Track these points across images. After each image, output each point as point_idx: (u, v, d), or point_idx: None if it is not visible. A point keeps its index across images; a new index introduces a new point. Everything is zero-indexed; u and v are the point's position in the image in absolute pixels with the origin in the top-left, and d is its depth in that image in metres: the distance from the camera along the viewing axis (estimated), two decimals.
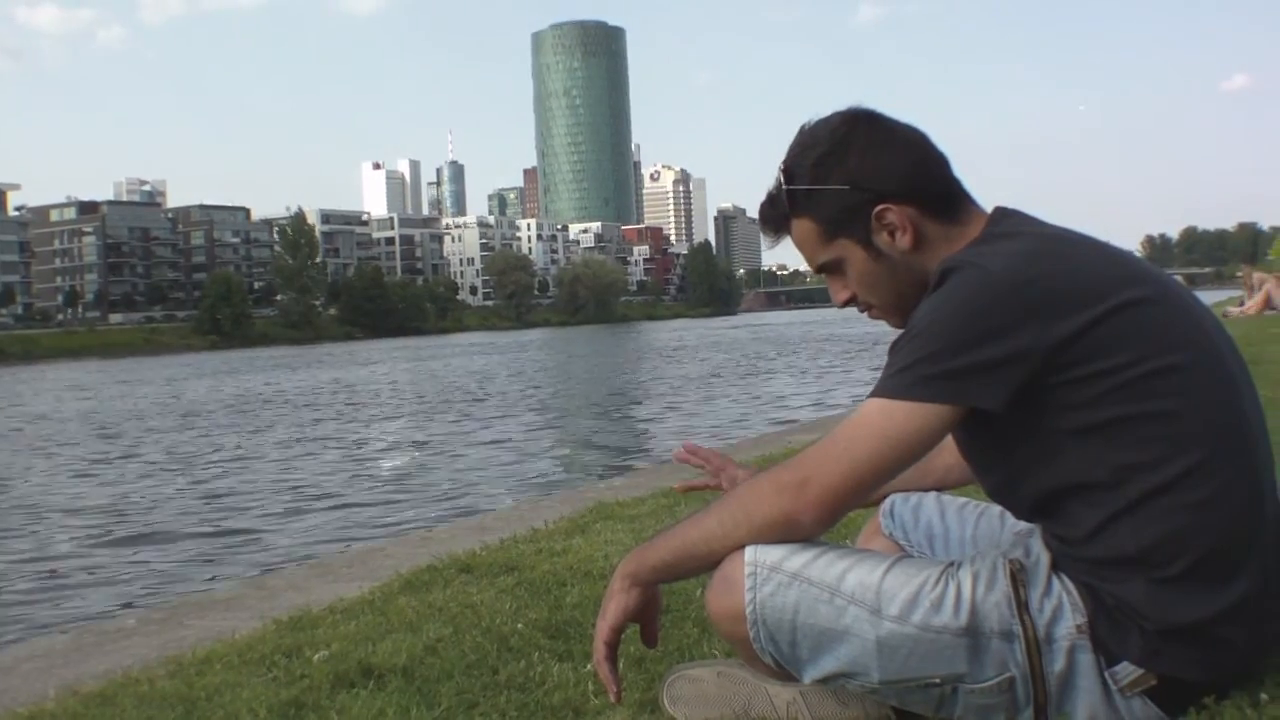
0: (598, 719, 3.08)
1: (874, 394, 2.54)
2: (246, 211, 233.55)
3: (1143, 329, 2.43)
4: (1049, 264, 2.47)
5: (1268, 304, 32.32)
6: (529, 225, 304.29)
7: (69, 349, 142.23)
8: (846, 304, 2.85)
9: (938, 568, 2.60)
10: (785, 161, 2.78)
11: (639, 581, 2.81)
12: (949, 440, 2.67)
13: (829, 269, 2.82)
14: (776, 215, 2.82)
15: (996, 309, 2.42)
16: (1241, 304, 34.59)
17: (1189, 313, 2.54)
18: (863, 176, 2.67)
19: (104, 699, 3.66)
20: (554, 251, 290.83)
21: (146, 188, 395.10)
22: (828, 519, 2.58)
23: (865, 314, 2.87)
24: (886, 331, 2.73)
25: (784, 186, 2.76)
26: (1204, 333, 2.53)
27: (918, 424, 2.47)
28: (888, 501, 3.27)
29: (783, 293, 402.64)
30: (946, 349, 2.43)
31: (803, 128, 2.79)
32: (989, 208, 2.75)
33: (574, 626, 4.01)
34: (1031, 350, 2.40)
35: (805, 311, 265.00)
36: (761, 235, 2.90)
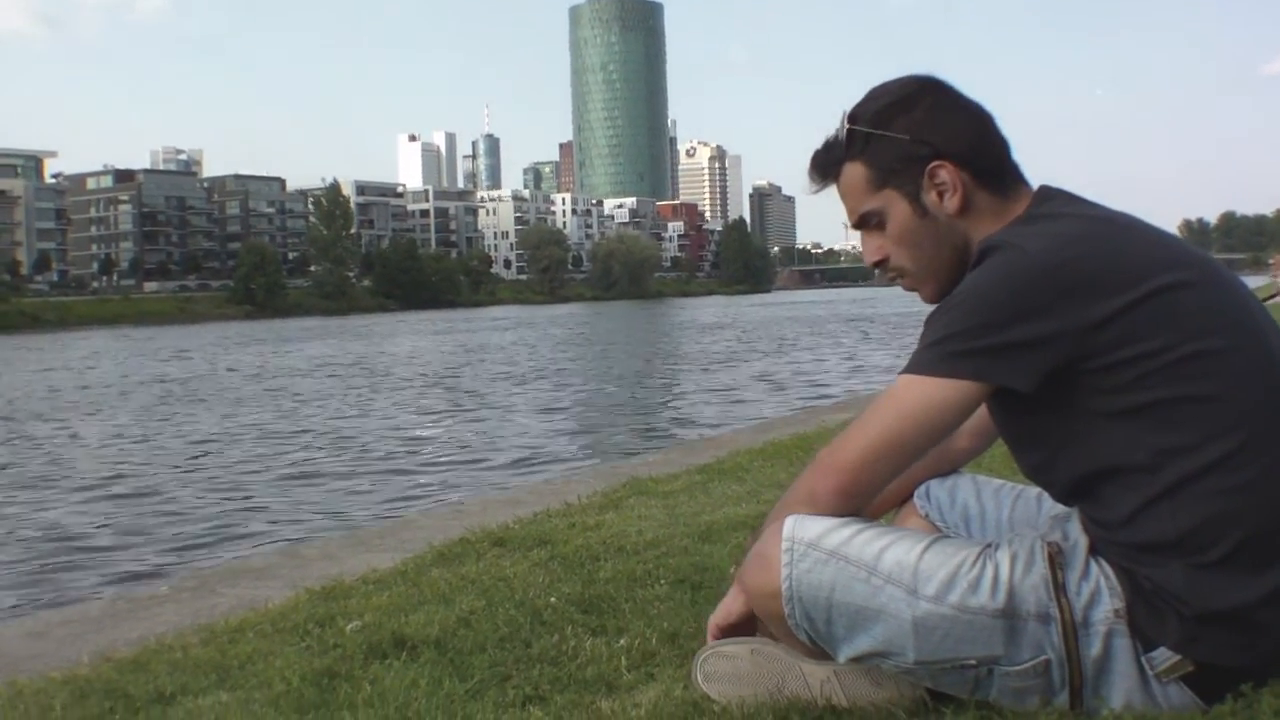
0: (631, 693, 3.08)
1: (904, 370, 2.56)
2: (282, 182, 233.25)
3: (1181, 313, 2.42)
4: (1087, 246, 2.46)
5: None
6: (564, 200, 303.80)
7: (104, 317, 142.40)
8: (877, 265, 2.85)
9: (975, 548, 2.59)
10: (852, 107, 2.78)
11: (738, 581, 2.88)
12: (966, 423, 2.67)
13: (868, 222, 2.81)
14: (830, 160, 2.82)
15: (1030, 290, 2.42)
16: (1276, 294, 34.46)
17: (1231, 296, 2.53)
18: (925, 130, 2.68)
19: (137, 665, 3.67)
20: (588, 226, 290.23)
21: (183, 157, 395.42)
22: (845, 493, 2.62)
23: (897, 281, 2.87)
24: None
25: (847, 126, 2.76)
26: (1248, 316, 2.52)
27: (940, 400, 2.49)
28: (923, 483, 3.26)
29: (817, 271, 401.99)
30: (975, 327, 2.45)
31: (876, 85, 2.80)
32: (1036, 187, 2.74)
33: (607, 601, 4.01)
34: (1063, 333, 2.40)
35: (840, 290, 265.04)
36: (807, 181, 2.89)
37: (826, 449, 2.66)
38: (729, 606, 2.88)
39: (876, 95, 2.77)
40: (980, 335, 2.44)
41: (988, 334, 2.43)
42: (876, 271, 2.88)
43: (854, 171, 2.78)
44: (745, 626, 2.88)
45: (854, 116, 2.76)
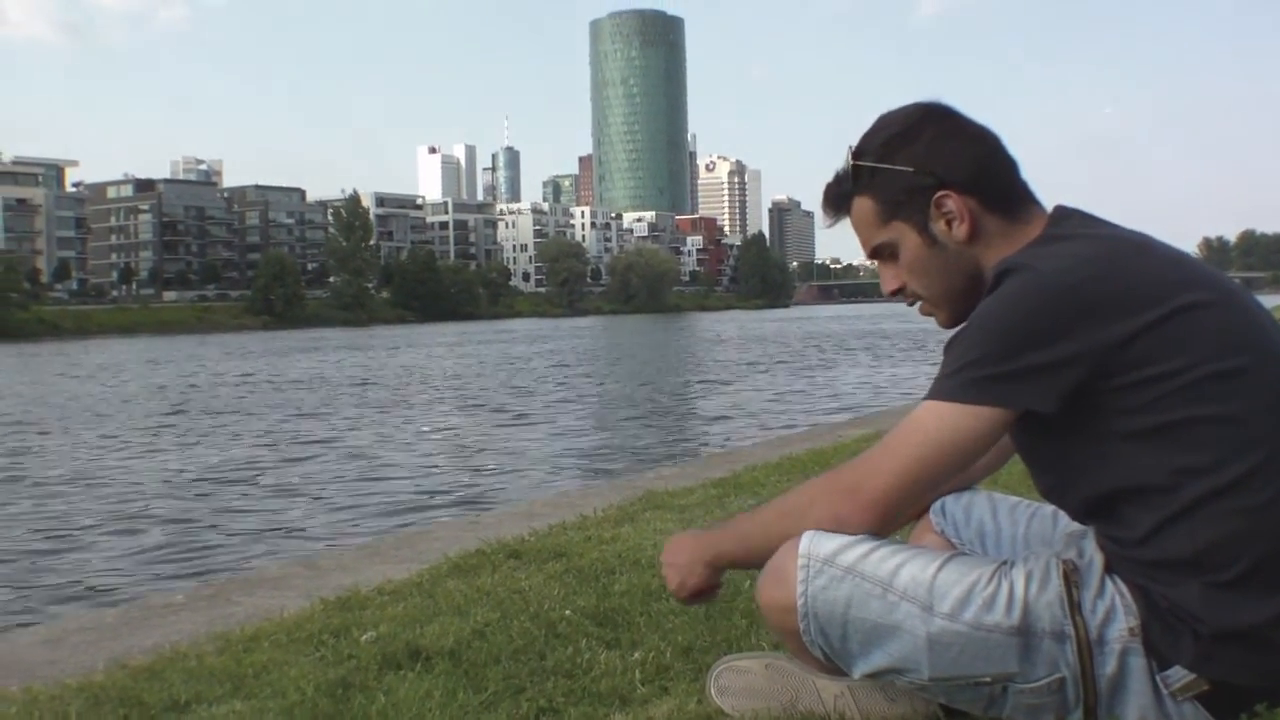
0: (645, 707, 3.09)
1: (927, 396, 2.55)
2: (302, 193, 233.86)
3: (1200, 333, 2.41)
4: (1104, 267, 2.45)
5: None
6: (583, 213, 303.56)
7: (123, 325, 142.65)
8: (895, 294, 2.85)
9: (990, 566, 2.59)
10: (857, 141, 2.78)
11: (709, 566, 2.87)
12: None
13: (882, 254, 2.81)
14: (840, 193, 2.82)
15: (1049, 312, 2.41)
16: None
17: (1249, 316, 2.52)
18: (929, 161, 2.67)
19: (152, 673, 3.68)
20: (607, 240, 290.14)
21: (203, 167, 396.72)
22: (878, 524, 2.61)
23: (914, 306, 2.87)
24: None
25: (851, 162, 2.75)
26: (1265, 336, 2.51)
27: (969, 427, 2.48)
28: (938, 499, 3.26)
29: (835, 286, 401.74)
30: (998, 352, 2.44)
31: (881, 115, 2.79)
32: (1051, 207, 2.73)
33: (622, 614, 4.02)
34: (1083, 354, 2.39)
35: (858, 305, 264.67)
36: (821, 214, 2.90)
37: (851, 474, 2.63)
38: (688, 582, 2.90)
39: (879, 128, 2.76)
40: (1004, 360, 2.43)
41: (1010, 358, 2.42)
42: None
43: (863, 205, 2.78)
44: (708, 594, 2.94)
45: (858, 152, 2.75)
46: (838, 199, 2.83)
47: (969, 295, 2.68)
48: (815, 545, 2.62)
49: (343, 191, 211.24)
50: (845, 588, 2.58)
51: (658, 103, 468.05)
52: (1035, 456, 2.68)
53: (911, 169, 2.67)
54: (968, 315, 2.63)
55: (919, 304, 2.84)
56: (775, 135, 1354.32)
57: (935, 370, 2.57)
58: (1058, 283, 2.43)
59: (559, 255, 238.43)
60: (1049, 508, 3.04)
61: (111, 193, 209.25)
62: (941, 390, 2.51)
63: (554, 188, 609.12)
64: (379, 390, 39.85)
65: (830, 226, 2.93)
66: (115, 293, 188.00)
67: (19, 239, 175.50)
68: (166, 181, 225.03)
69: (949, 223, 2.68)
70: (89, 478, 19.58)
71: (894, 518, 2.63)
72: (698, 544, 2.90)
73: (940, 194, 2.66)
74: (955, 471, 2.58)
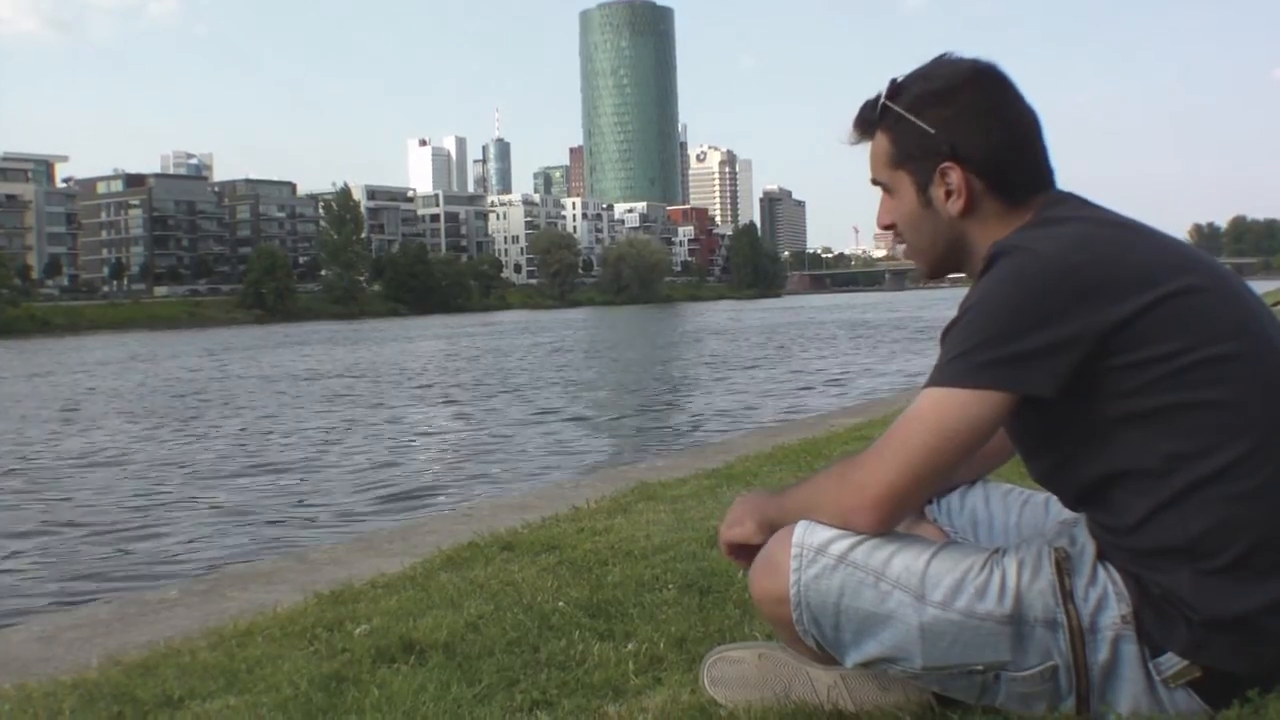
0: (638, 698, 3.09)
1: (928, 384, 2.52)
2: (292, 186, 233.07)
3: (1194, 317, 2.41)
4: (1100, 249, 2.45)
5: None
6: (574, 204, 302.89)
7: (114, 321, 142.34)
8: (887, 229, 2.83)
9: (983, 555, 2.59)
10: (902, 77, 2.75)
11: (758, 524, 2.78)
12: None
13: (884, 188, 2.79)
14: (869, 121, 2.78)
15: (1047, 294, 2.40)
16: None
17: (1242, 302, 2.52)
18: (951, 130, 2.63)
19: (146, 669, 3.68)
20: (599, 231, 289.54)
21: (193, 161, 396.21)
22: (885, 523, 2.57)
23: (897, 243, 2.86)
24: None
25: (883, 99, 2.73)
26: (1257, 322, 2.51)
27: (973, 413, 2.44)
28: None
29: (827, 275, 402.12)
30: (999, 335, 2.42)
31: (939, 57, 2.75)
32: None
33: (615, 606, 4.02)
34: (1082, 335, 2.39)
35: (850, 295, 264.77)
36: (849, 131, 2.83)
37: (858, 475, 2.57)
38: (731, 530, 2.83)
39: (924, 76, 2.71)
40: (1004, 343, 2.41)
41: (1011, 341, 2.40)
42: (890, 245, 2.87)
43: (881, 141, 2.75)
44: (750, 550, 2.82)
45: (895, 90, 2.72)
46: (865, 125, 2.80)
47: (947, 260, 2.73)
48: (808, 535, 2.61)
49: (333, 185, 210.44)
50: (838, 577, 2.57)
51: (648, 93, 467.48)
52: (1028, 441, 2.67)
53: (933, 130, 2.65)
54: (944, 274, 2.76)
55: (906, 248, 2.84)
56: (766, 125, 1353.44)
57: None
58: (1056, 264, 2.42)
59: (550, 247, 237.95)
60: (1041, 495, 3.04)
61: (102, 188, 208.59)
62: (941, 377, 2.48)
63: (545, 179, 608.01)
64: (369, 384, 39.80)
65: (854, 145, 2.87)
66: (106, 288, 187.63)
67: (9, 235, 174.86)
68: (157, 176, 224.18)
69: (947, 194, 2.66)
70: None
71: (902, 514, 2.59)
72: (759, 500, 2.85)
73: (947, 164, 2.64)
74: (960, 460, 2.53)
